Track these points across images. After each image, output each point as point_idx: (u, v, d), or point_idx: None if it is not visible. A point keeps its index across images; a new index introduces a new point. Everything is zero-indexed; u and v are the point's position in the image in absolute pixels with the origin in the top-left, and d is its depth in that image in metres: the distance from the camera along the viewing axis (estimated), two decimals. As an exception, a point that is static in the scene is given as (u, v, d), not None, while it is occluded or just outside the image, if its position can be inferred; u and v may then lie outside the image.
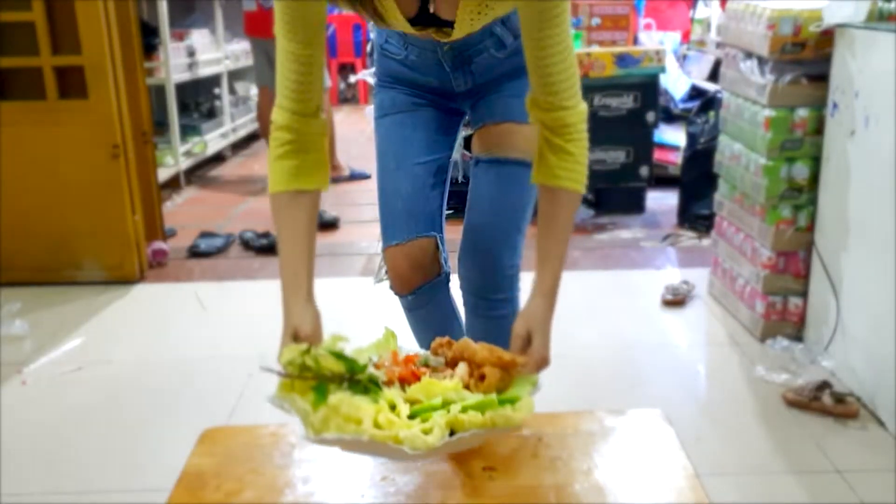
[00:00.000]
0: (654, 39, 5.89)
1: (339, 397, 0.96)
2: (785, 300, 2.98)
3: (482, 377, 1.03)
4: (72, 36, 3.46)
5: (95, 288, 3.65)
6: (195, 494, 1.11)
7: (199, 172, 5.92)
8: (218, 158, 6.24)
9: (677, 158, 4.82)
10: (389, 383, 1.02)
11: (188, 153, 5.57)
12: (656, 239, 4.26)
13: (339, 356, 1.03)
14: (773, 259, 2.94)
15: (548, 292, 1.30)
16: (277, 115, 1.27)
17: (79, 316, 3.38)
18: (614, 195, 4.62)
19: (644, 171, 4.53)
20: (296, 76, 1.23)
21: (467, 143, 1.70)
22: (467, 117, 1.70)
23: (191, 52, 5.56)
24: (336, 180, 5.55)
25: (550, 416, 1.36)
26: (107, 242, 3.68)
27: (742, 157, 3.06)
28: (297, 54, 1.22)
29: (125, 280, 3.71)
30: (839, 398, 2.52)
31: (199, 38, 5.75)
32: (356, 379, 1.01)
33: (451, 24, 1.34)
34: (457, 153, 1.68)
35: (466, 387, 1.02)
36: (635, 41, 5.27)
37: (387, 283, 1.70)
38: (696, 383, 2.79)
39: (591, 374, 2.85)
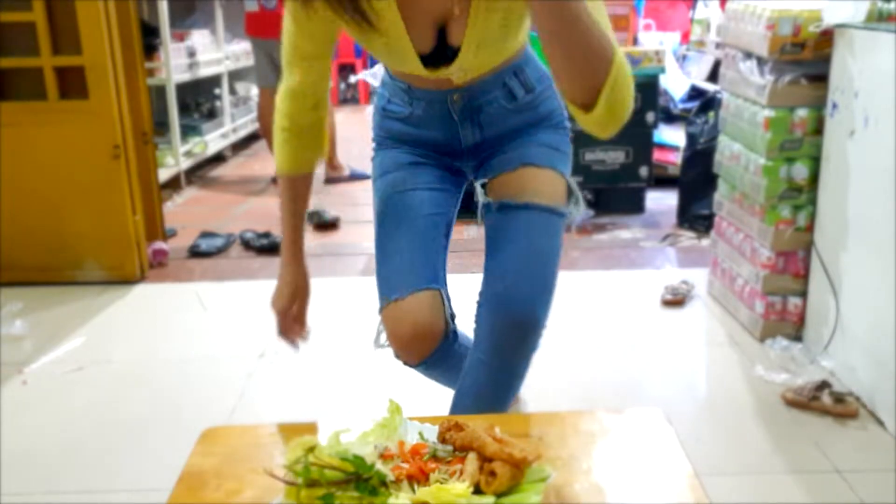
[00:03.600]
0: (653, 40, 5.90)
1: None
2: (784, 300, 2.98)
3: (492, 473, 1.01)
4: (72, 36, 3.46)
5: (96, 288, 3.66)
6: (196, 494, 1.11)
7: (200, 172, 5.92)
8: (218, 158, 6.24)
9: (677, 159, 4.82)
10: (398, 481, 1.02)
11: (189, 153, 5.58)
12: (656, 239, 4.26)
13: (345, 457, 1.02)
14: (773, 259, 2.94)
15: None
16: (278, 99, 1.44)
17: (79, 316, 3.38)
18: (614, 195, 4.63)
19: (644, 171, 4.54)
20: (301, 73, 1.37)
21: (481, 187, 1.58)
22: (472, 179, 1.60)
23: (191, 53, 5.56)
24: (336, 180, 5.55)
25: (550, 415, 1.35)
26: (107, 242, 3.69)
27: (741, 157, 3.06)
28: (304, 52, 1.36)
29: (126, 280, 3.71)
30: (839, 398, 2.52)
31: (199, 38, 5.76)
32: (364, 478, 1.01)
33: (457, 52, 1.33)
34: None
35: (477, 483, 1.01)
36: (635, 41, 5.27)
37: (389, 350, 1.56)
38: (695, 383, 2.79)
39: (591, 373, 2.85)
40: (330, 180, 5.54)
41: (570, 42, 0.97)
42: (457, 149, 1.54)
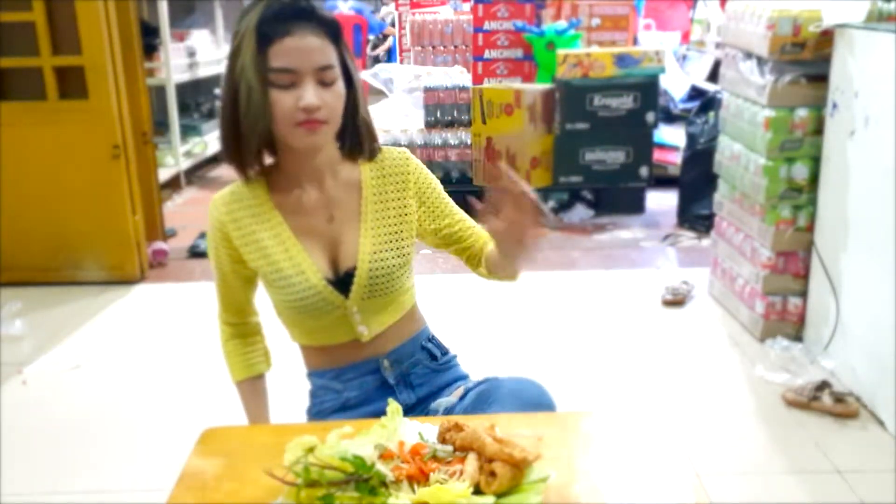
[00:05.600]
0: (653, 40, 5.90)
1: None
2: (784, 300, 2.98)
3: (493, 473, 1.01)
4: (72, 36, 3.46)
5: (96, 288, 3.65)
6: (195, 494, 1.10)
7: (200, 172, 5.92)
8: (218, 158, 6.21)
9: (677, 159, 4.83)
10: (398, 481, 1.02)
11: (188, 153, 5.58)
12: (656, 239, 4.26)
13: (345, 457, 1.03)
14: (773, 259, 2.94)
15: None
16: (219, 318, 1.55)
17: (79, 316, 3.38)
18: (614, 195, 4.63)
19: (644, 171, 4.53)
20: (228, 302, 1.50)
21: None
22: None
23: (191, 53, 5.56)
24: None
25: (551, 415, 1.35)
26: (107, 243, 3.68)
27: (742, 157, 3.06)
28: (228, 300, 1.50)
29: (125, 280, 3.71)
30: (839, 398, 2.52)
31: (199, 38, 5.76)
32: (364, 478, 1.01)
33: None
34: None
35: (477, 483, 1.01)
36: (635, 41, 5.27)
37: None
38: (695, 383, 2.79)
39: (591, 374, 2.85)
40: None
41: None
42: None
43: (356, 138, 1.42)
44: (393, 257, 1.42)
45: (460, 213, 1.53)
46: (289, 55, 1.27)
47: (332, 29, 1.32)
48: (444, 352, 1.58)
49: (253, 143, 1.34)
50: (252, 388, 1.55)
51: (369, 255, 1.40)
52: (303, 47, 1.28)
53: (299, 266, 1.38)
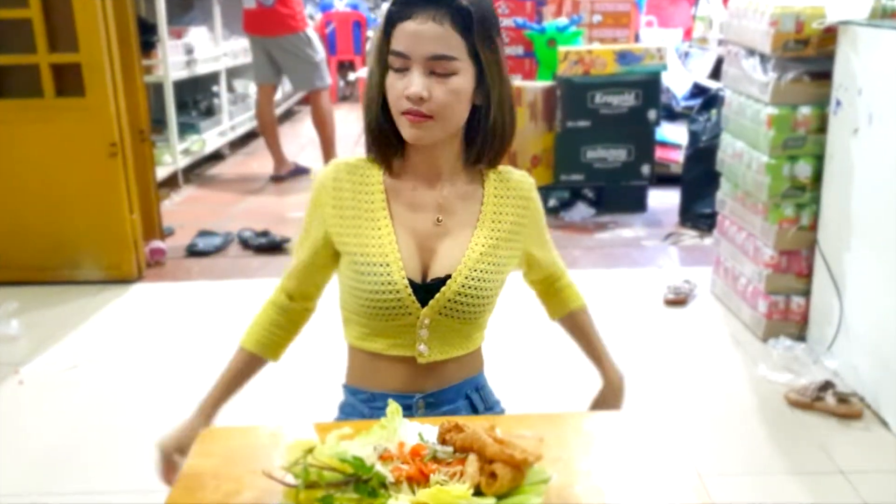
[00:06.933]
0: (655, 37, 5.89)
1: None
2: (787, 299, 2.96)
3: (493, 475, 1.00)
4: (69, 33, 3.44)
5: (93, 287, 3.63)
6: (194, 495, 1.10)
7: (198, 171, 5.90)
8: (216, 157, 6.21)
9: (679, 157, 4.81)
10: (398, 482, 1.01)
11: (186, 151, 5.55)
12: (658, 238, 4.25)
13: (344, 458, 1.02)
14: (776, 258, 2.92)
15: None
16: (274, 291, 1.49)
17: (76, 315, 3.36)
18: (615, 193, 4.61)
19: (645, 169, 4.53)
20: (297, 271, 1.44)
21: None
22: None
23: (189, 50, 5.53)
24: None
25: (551, 416, 1.34)
26: (104, 241, 3.66)
27: (744, 155, 3.04)
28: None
29: (123, 279, 3.69)
30: (842, 398, 2.51)
31: (197, 35, 5.73)
32: (363, 479, 1.00)
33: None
34: None
35: (477, 485, 1.00)
36: (636, 38, 5.26)
37: None
38: (697, 383, 2.77)
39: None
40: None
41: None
42: None
43: (483, 148, 1.34)
44: (491, 279, 1.35)
45: (555, 250, 1.54)
46: (405, 39, 1.23)
47: (463, 18, 1.23)
48: (490, 406, 1.48)
49: (371, 125, 1.32)
50: (243, 360, 1.49)
51: (468, 270, 1.32)
52: (420, 32, 1.22)
53: (386, 257, 1.31)
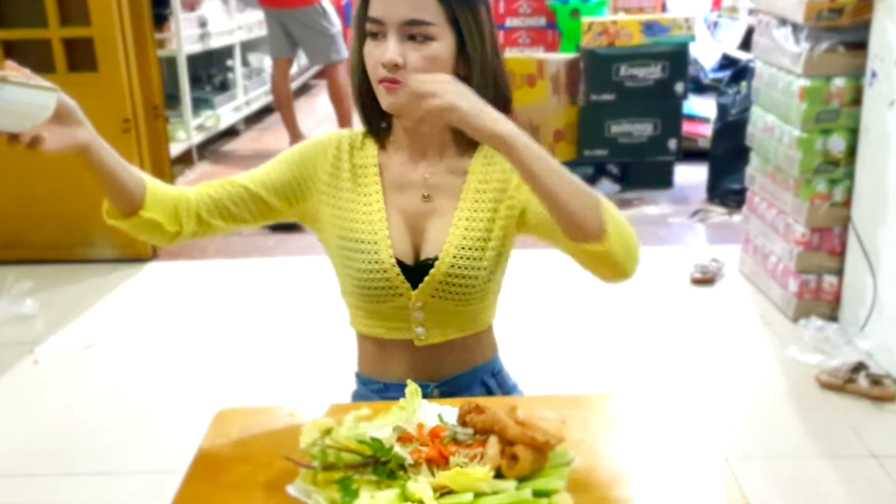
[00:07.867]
0: (683, 6, 5.83)
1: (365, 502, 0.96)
2: (819, 278, 2.91)
3: (514, 457, 0.99)
4: (81, 7, 3.40)
5: (107, 266, 3.62)
6: (211, 476, 1.10)
7: (212, 147, 5.88)
8: (231, 132, 6.19)
9: (707, 131, 4.74)
10: (417, 464, 1.01)
11: (200, 127, 5.52)
12: (685, 215, 4.20)
13: (363, 439, 1.02)
14: (807, 235, 2.87)
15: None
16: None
17: (91, 294, 3.35)
18: (641, 169, 4.55)
19: (672, 144, 4.47)
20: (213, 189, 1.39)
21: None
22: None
23: (202, 23, 5.49)
24: None
25: (575, 397, 1.33)
26: (119, 219, 3.64)
27: (775, 129, 2.99)
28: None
29: (137, 258, 3.68)
30: (876, 380, 2.46)
31: (210, 7, 5.68)
32: (382, 461, 1.00)
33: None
34: None
35: (498, 467, 1.00)
36: (663, 8, 5.21)
37: None
38: (725, 365, 2.74)
39: (616, 354, 2.81)
40: None
41: (552, 172, 1.12)
42: None
43: None
44: (481, 256, 1.28)
45: None
46: (381, 4, 1.19)
47: None
48: (507, 391, 1.44)
49: (356, 96, 1.30)
50: (134, 173, 1.31)
51: (455, 249, 1.27)
52: None
53: (374, 235, 1.28)
